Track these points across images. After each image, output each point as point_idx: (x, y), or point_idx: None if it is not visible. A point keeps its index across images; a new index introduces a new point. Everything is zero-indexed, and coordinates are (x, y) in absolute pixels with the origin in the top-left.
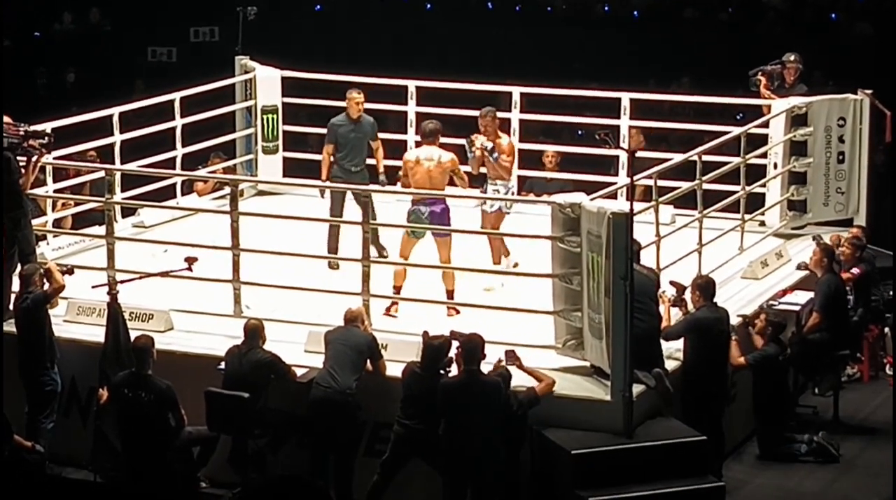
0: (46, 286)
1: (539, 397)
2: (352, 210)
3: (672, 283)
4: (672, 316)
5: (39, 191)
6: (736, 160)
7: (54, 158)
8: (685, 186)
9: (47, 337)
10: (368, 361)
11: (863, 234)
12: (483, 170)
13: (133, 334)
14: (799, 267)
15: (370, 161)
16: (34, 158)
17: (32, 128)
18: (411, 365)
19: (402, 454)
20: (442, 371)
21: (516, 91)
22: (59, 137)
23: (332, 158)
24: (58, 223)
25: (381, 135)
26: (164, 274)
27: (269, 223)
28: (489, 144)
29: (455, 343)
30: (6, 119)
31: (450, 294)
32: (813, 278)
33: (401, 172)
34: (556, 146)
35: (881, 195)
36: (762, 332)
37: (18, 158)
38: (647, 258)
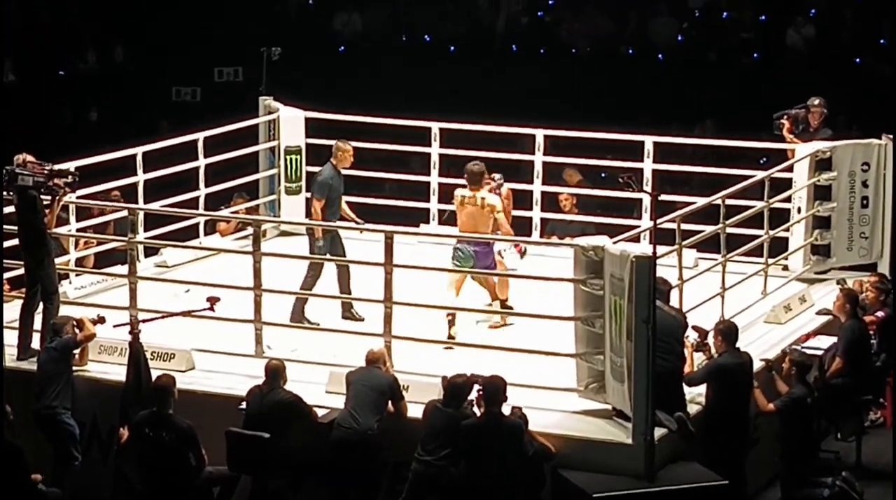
0: (79, 334)
1: (553, 454)
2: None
3: (695, 327)
4: (695, 360)
5: (62, 230)
6: (760, 204)
7: (77, 197)
8: (709, 229)
9: (69, 381)
10: (390, 402)
11: (886, 278)
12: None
13: (154, 374)
14: (820, 313)
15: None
16: (58, 197)
17: (57, 167)
18: (434, 402)
19: (420, 495)
20: (464, 409)
21: (539, 133)
22: (82, 176)
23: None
24: (80, 262)
25: (405, 176)
26: (186, 314)
27: (291, 264)
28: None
29: (476, 385)
30: (30, 158)
31: (502, 304)
32: (836, 323)
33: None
34: (577, 189)
35: None
36: (787, 374)
37: (43, 196)
38: (671, 301)
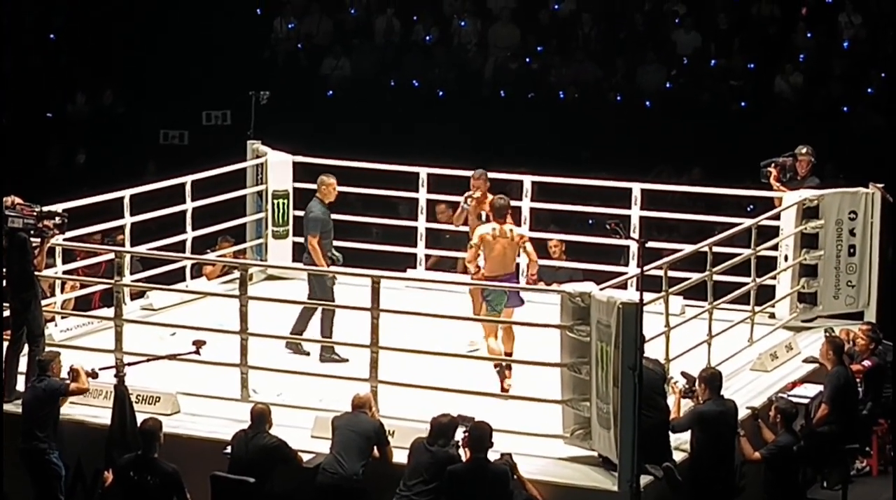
0: (71, 382)
1: None
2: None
3: (683, 373)
4: (682, 406)
5: (49, 272)
6: (747, 252)
7: (64, 239)
8: (696, 276)
9: (55, 423)
10: (375, 447)
11: (877, 328)
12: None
13: (140, 417)
14: (806, 361)
15: None
16: (47, 239)
17: (46, 209)
18: (420, 439)
19: None
20: (449, 449)
21: (527, 179)
22: (69, 219)
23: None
24: (65, 305)
25: (392, 221)
26: (172, 357)
27: (277, 308)
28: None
29: (461, 428)
30: (18, 200)
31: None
32: (822, 371)
33: (471, 246)
34: (565, 235)
35: (892, 289)
36: (773, 422)
37: (32, 239)
38: (657, 349)
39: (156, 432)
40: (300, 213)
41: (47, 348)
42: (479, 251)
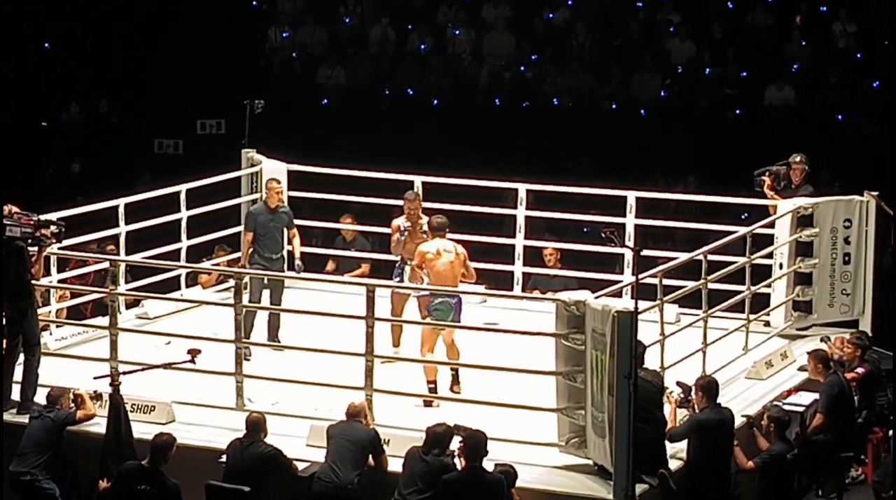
0: (77, 410)
1: None
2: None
3: (678, 383)
4: (678, 416)
5: (43, 281)
6: (742, 260)
7: (59, 249)
8: (691, 285)
9: (57, 454)
10: (371, 456)
11: (866, 334)
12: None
13: (135, 426)
14: (801, 369)
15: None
16: (44, 248)
17: (44, 218)
18: (415, 448)
19: None
20: (445, 458)
21: (522, 188)
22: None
23: (251, 247)
24: (58, 314)
25: (386, 229)
26: (167, 366)
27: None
28: (407, 224)
29: (456, 437)
30: (16, 209)
31: (432, 383)
32: (817, 379)
33: (415, 263)
34: (560, 244)
35: (887, 297)
36: (767, 431)
37: (29, 248)
38: (652, 357)
39: (168, 448)
40: (295, 222)
41: (42, 359)
42: (420, 274)
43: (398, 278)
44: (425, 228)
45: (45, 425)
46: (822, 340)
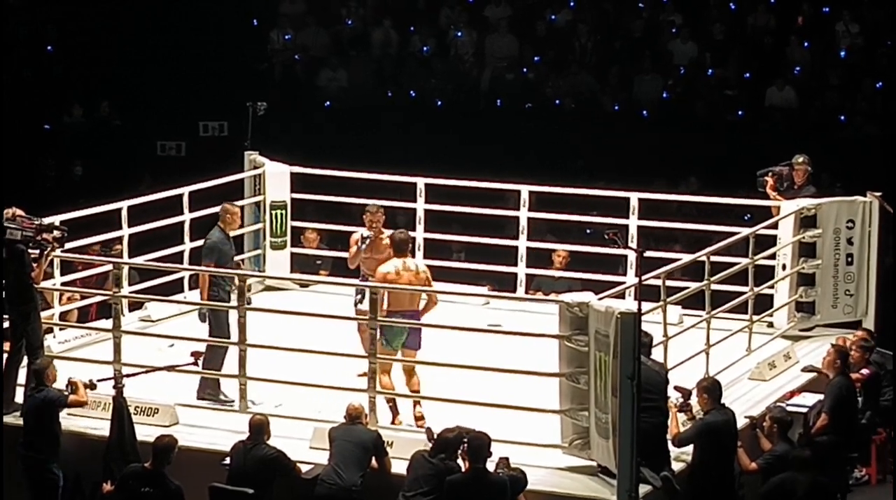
0: (70, 395)
1: None
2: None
3: (677, 388)
4: (678, 421)
5: (47, 284)
6: (745, 261)
7: (62, 251)
8: (694, 286)
9: (55, 434)
10: (374, 458)
11: (870, 336)
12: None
13: (138, 429)
14: (805, 370)
15: None
16: (46, 252)
17: (47, 221)
18: (421, 452)
19: None
20: (449, 462)
21: (525, 189)
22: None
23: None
24: (64, 316)
25: (388, 231)
26: (170, 368)
27: (275, 319)
28: (369, 233)
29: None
30: (19, 212)
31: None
32: (821, 380)
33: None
34: (563, 245)
35: (889, 298)
36: (769, 431)
37: (31, 251)
38: (655, 358)
39: (170, 450)
40: (298, 223)
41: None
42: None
43: (360, 296)
44: (386, 241)
45: (36, 404)
46: (832, 345)
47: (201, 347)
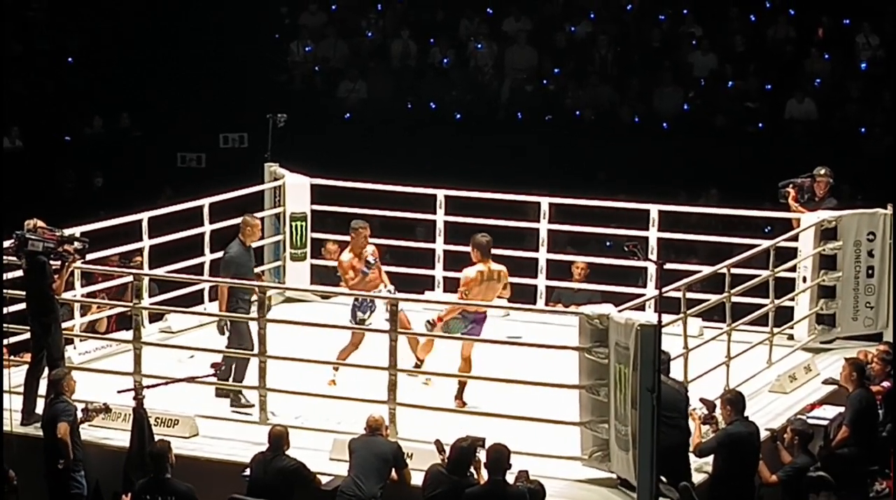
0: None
1: None
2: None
3: (702, 400)
4: (702, 433)
5: (68, 295)
6: (765, 273)
7: (83, 262)
8: (714, 298)
9: (76, 442)
10: (394, 469)
11: (891, 348)
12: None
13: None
14: (826, 382)
15: None
16: (67, 263)
17: (68, 233)
18: (437, 466)
19: None
20: (467, 474)
21: (545, 201)
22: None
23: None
24: (92, 326)
25: (409, 243)
26: (191, 379)
27: (296, 330)
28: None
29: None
30: (41, 223)
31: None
32: (842, 392)
33: (462, 287)
34: (583, 257)
35: None
36: (790, 444)
37: (52, 262)
38: (675, 371)
39: (165, 453)
40: (318, 235)
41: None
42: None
43: (369, 313)
44: (369, 258)
45: (49, 414)
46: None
47: (221, 358)
